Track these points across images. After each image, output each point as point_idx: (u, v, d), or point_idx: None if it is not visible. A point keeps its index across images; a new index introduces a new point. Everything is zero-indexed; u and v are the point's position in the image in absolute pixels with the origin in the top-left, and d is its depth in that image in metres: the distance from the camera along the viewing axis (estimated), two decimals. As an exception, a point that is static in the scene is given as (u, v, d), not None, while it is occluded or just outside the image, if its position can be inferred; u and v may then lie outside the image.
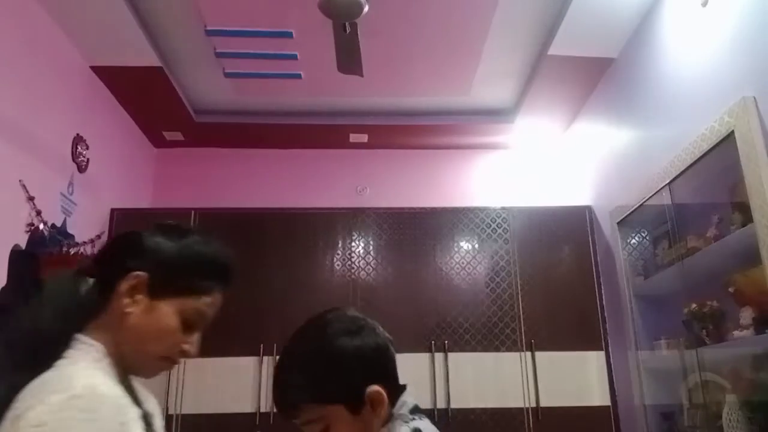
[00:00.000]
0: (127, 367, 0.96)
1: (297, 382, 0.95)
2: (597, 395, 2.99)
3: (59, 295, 0.94)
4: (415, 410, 0.98)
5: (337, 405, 0.93)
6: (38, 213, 2.45)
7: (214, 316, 1.00)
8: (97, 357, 0.90)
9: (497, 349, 3.04)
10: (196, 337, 0.99)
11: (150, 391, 1.07)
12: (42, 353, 0.87)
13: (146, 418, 0.95)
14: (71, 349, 0.90)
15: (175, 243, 0.98)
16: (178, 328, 0.95)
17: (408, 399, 0.99)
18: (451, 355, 3.02)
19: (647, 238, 2.80)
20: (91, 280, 0.96)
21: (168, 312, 0.94)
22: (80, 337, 0.91)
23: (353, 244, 3.23)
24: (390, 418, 0.96)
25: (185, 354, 0.97)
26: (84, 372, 0.87)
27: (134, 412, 0.89)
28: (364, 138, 3.83)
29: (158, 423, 1.01)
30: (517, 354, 3.04)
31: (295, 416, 0.95)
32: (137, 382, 1.03)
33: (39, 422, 0.77)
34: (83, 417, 0.80)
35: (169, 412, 2.85)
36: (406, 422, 0.94)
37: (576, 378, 3.02)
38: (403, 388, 1.01)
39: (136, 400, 0.97)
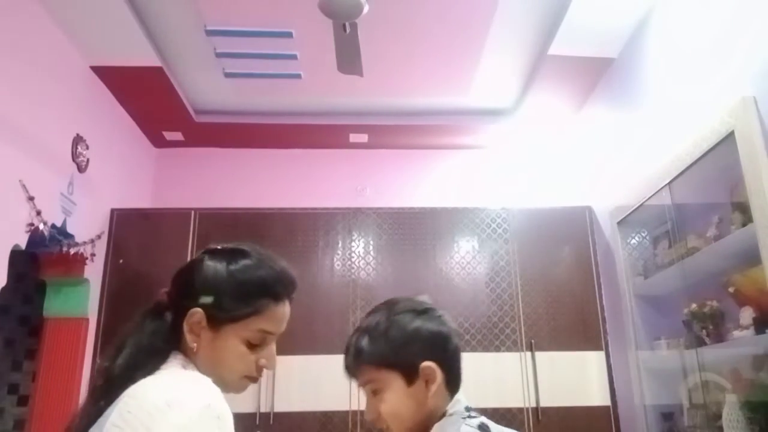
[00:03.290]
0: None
1: (360, 345, 1.06)
2: (597, 395, 2.99)
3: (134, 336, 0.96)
4: (469, 410, 1.04)
5: (394, 372, 1.02)
6: (38, 213, 2.44)
7: (284, 323, 1.02)
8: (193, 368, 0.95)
9: (497, 349, 3.04)
10: (269, 351, 1.00)
11: None
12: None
13: None
14: (171, 359, 0.94)
15: (223, 273, 0.98)
16: (245, 351, 0.97)
17: (461, 397, 1.06)
18: (451, 355, 3.02)
19: (647, 238, 2.80)
20: (168, 315, 0.99)
21: (231, 339, 0.96)
22: (175, 353, 0.96)
23: (353, 244, 3.23)
24: (444, 414, 1.02)
25: (263, 369, 1.00)
26: (200, 378, 0.90)
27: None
28: (364, 138, 3.83)
29: None
30: (517, 354, 3.04)
31: (357, 376, 1.07)
32: None
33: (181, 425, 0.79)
34: (217, 425, 0.83)
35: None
36: (471, 417, 1.01)
37: (576, 378, 3.01)
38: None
39: None
